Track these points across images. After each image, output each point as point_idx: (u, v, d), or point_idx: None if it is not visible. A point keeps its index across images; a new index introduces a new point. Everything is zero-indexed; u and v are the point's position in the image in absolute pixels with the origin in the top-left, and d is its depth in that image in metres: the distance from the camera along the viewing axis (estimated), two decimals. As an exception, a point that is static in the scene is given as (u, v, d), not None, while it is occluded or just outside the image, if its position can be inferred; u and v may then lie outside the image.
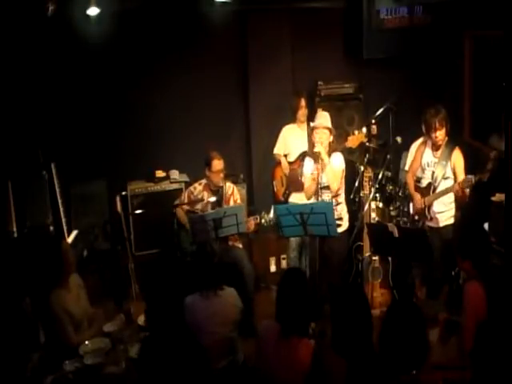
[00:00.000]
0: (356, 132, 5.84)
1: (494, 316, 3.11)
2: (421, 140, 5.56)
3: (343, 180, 5.27)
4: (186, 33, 6.47)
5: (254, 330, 4.23)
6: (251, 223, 5.22)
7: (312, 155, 5.21)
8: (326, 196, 5.12)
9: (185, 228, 5.38)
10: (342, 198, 5.27)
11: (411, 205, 5.50)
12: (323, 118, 5.20)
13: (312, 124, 5.25)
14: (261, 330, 3.63)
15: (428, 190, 5.24)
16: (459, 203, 5.22)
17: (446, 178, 5.17)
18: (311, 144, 5.29)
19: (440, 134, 5.10)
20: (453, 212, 5.25)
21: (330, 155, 5.13)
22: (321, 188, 5.09)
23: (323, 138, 5.09)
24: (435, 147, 5.21)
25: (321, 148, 5.02)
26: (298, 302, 3.41)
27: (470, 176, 4.92)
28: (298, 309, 3.40)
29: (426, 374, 2.73)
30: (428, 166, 5.27)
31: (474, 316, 3.41)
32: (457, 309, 3.86)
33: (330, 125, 5.15)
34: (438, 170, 5.19)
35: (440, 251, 5.10)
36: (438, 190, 5.19)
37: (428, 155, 5.28)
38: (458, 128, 6.90)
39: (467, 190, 5.01)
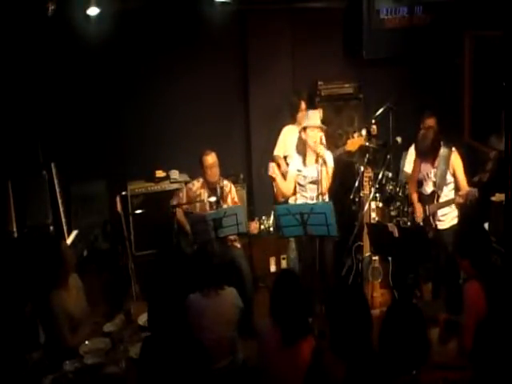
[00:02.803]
0: (355, 135, 5.83)
1: (494, 316, 3.10)
2: None
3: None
4: (186, 33, 6.47)
5: (254, 330, 4.23)
6: (254, 226, 5.22)
7: (301, 153, 5.31)
8: (312, 192, 5.20)
9: (184, 229, 5.38)
10: (326, 196, 5.27)
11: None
12: (314, 117, 5.28)
13: (304, 124, 5.28)
14: (260, 336, 3.63)
15: (432, 198, 5.17)
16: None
17: (447, 184, 5.12)
18: (301, 142, 5.34)
19: (426, 162, 5.08)
20: (456, 212, 5.22)
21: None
22: (310, 182, 5.21)
23: (316, 137, 5.16)
24: (430, 162, 5.14)
25: (322, 149, 5.07)
26: (294, 306, 3.41)
27: (473, 189, 4.87)
28: (295, 313, 3.40)
29: (426, 374, 2.73)
30: (428, 176, 5.20)
31: (474, 316, 3.41)
32: (457, 309, 3.86)
33: (319, 123, 5.25)
34: (438, 178, 5.11)
35: (445, 252, 5.09)
36: (441, 196, 5.13)
37: (426, 166, 5.18)
38: (458, 128, 6.92)
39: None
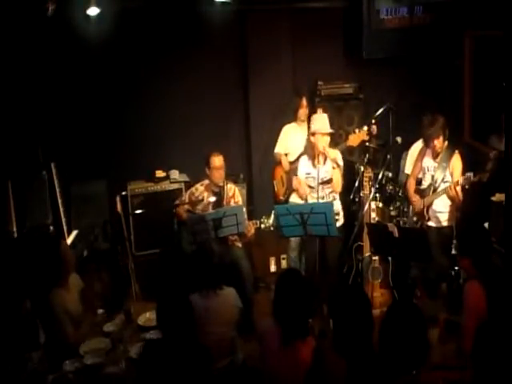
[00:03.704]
0: (357, 130, 5.84)
1: (494, 316, 3.10)
2: (420, 143, 5.55)
3: None
4: (186, 33, 6.48)
5: (254, 329, 4.23)
6: (250, 227, 5.20)
7: (310, 155, 5.33)
8: (327, 190, 5.27)
9: (185, 228, 5.38)
10: (337, 194, 5.40)
11: (411, 207, 5.51)
12: (322, 122, 5.28)
13: (313, 129, 5.28)
14: (261, 335, 3.62)
15: (428, 191, 5.26)
16: (455, 204, 5.22)
17: (445, 182, 5.17)
18: (310, 145, 5.35)
19: (438, 143, 5.14)
20: (453, 213, 5.25)
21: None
22: (321, 183, 5.22)
23: (325, 142, 5.19)
24: (435, 154, 5.24)
25: (333, 152, 5.19)
26: (296, 305, 3.40)
27: (468, 174, 4.93)
28: (297, 312, 3.40)
29: (426, 374, 2.73)
30: (428, 170, 5.30)
31: (474, 316, 3.41)
32: (457, 309, 3.86)
33: (329, 128, 5.25)
34: (437, 172, 5.20)
35: (437, 250, 5.11)
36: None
37: (428, 160, 5.31)
38: (458, 128, 6.91)
39: (460, 193, 5.02)
